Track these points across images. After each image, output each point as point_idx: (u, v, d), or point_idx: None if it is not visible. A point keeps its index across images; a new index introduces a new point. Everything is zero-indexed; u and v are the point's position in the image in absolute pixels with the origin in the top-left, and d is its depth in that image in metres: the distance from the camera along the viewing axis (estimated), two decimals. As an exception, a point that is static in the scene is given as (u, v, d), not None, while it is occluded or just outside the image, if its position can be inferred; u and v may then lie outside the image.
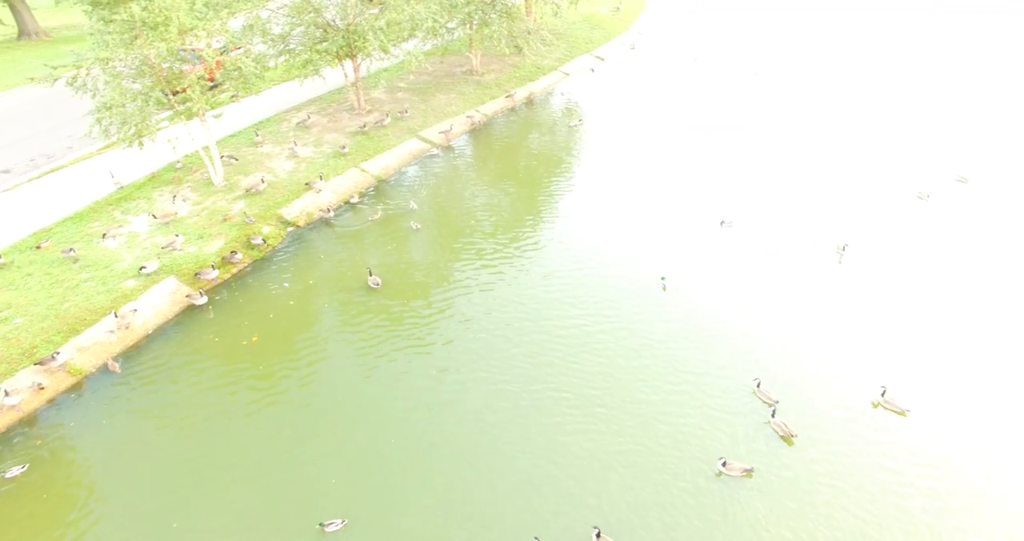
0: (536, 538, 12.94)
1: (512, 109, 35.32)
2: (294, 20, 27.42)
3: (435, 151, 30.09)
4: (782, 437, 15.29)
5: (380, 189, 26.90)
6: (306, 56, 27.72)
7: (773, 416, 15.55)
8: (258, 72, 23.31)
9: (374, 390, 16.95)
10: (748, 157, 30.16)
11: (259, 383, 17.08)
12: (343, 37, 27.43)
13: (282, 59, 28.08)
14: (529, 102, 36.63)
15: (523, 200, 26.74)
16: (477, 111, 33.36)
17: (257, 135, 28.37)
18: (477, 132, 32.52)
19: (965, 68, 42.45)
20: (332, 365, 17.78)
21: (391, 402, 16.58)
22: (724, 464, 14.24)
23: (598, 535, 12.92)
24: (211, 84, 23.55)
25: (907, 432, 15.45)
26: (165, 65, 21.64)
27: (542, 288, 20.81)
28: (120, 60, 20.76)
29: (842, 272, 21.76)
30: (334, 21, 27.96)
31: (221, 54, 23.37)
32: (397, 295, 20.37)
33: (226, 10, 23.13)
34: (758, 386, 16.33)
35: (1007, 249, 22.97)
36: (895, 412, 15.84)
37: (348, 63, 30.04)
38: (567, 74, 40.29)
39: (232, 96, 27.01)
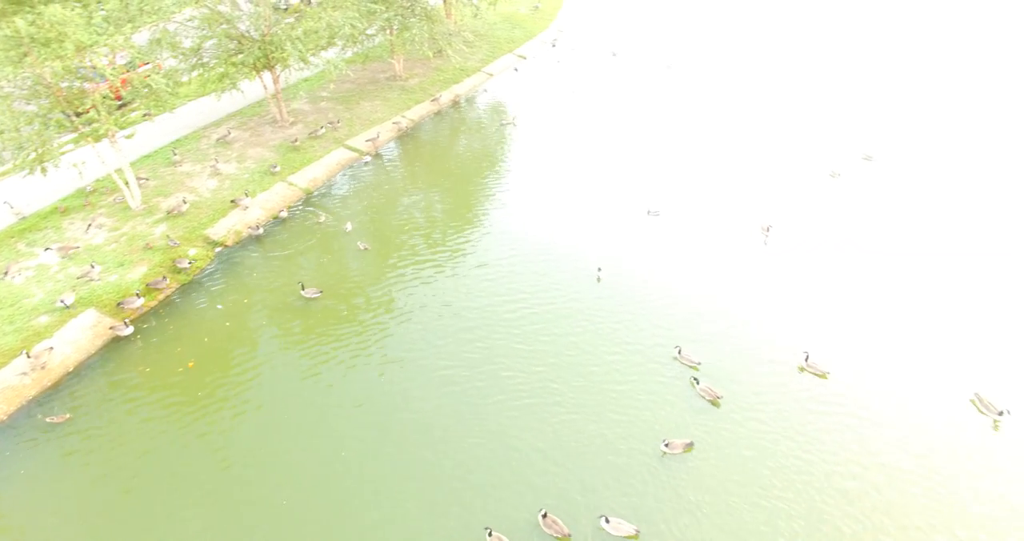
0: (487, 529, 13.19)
1: (439, 113, 35.23)
2: (205, 32, 26.35)
3: (366, 159, 29.67)
4: (710, 401, 16.43)
5: (310, 202, 26.27)
6: (221, 69, 26.70)
7: (698, 383, 16.64)
8: (170, 88, 22.31)
9: (321, 401, 16.71)
10: (670, 147, 31.24)
11: (199, 409, 16.45)
12: (259, 48, 26.60)
13: (196, 73, 26.92)
14: (455, 105, 36.62)
15: (457, 199, 26.82)
16: (403, 117, 33.09)
17: (175, 154, 27.16)
18: (405, 138, 32.26)
19: (866, 51, 45.33)
20: (275, 381, 17.37)
21: (340, 411, 16.41)
22: (667, 444, 14.93)
23: (544, 515, 13.38)
24: (119, 103, 22.37)
25: (829, 390, 16.97)
26: (64, 84, 20.34)
27: (481, 278, 21.37)
28: (8, 80, 19.35)
29: (768, 251, 22.93)
30: (248, 32, 27.06)
31: (127, 71, 22.26)
32: (336, 303, 20.18)
33: (129, 24, 21.94)
34: (679, 352, 17.62)
35: (912, 222, 24.78)
36: (817, 375, 17.24)
37: (267, 75, 29.19)
38: (491, 75, 40.50)
39: (144, 114, 25.79)
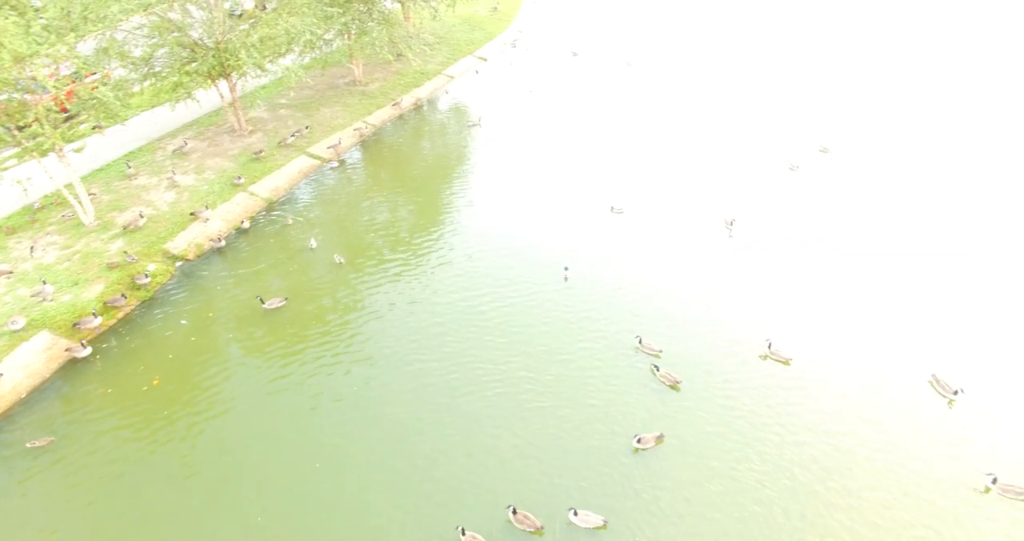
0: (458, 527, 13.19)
1: (401, 117, 34.91)
2: (156, 41, 25.47)
3: (332, 164, 29.27)
4: (670, 386, 16.97)
5: (272, 211, 25.72)
6: (175, 79, 25.89)
7: (658, 369, 17.13)
8: (121, 99, 21.54)
9: (293, 410, 16.41)
10: (632, 144, 31.60)
11: (165, 427, 15.95)
12: (213, 56, 25.92)
13: (148, 83, 26.08)
14: (417, 108, 36.36)
15: (423, 201, 26.65)
16: (365, 122, 32.68)
17: (129, 167, 26.28)
18: (368, 143, 31.87)
19: (819, 46, 46.56)
20: (244, 394, 16.98)
21: (312, 419, 16.17)
22: (639, 440, 15.08)
23: (514, 511, 13.41)
24: (65, 116, 21.51)
25: (792, 375, 17.51)
26: (2, 97, 19.45)
27: (448, 277, 21.53)
28: None
29: (732, 244, 23.34)
30: (201, 40, 26.32)
31: (72, 82, 21.43)
32: (304, 309, 19.92)
33: (72, 33, 21.04)
34: (640, 342, 18.06)
35: (869, 213, 25.54)
36: (780, 361, 17.78)
37: (223, 83, 28.48)
38: (452, 77, 40.34)
39: (94, 127, 24.79)
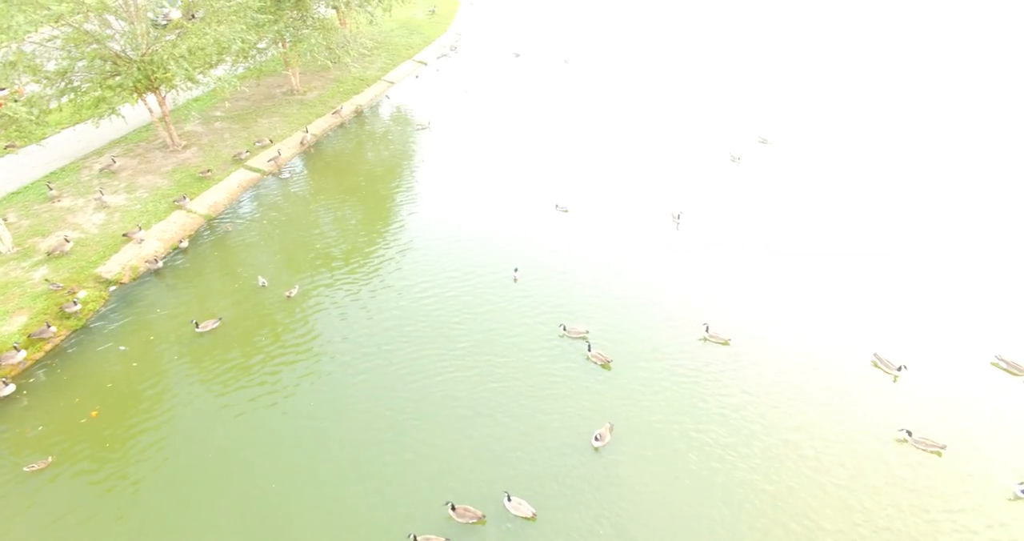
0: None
1: (342, 125, 34.16)
2: (72, 53, 24.00)
3: (285, 175, 28.54)
4: (601, 365, 17.56)
5: (212, 227, 24.69)
6: (96, 93, 24.50)
7: (590, 349, 17.70)
8: (34, 117, 20.25)
9: (244, 433, 15.78)
10: (577, 141, 31.80)
11: (107, 461, 15.04)
12: (138, 69, 24.66)
13: (66, 99, 24.61)
14: (358, 115, 35.65)
15: (368, 208, 26.19)
16: (305, 131, 31.81)
17: (51, 188, 24.74)
18: (310, 153, 31.03)
19: (752, 39, 47.98)
20: (191, 416, 16.26)
21: (264, 439, 15.62)
22: (598, 438, 15.11)
23: (453, 508, 13.44)
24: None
25: (729, 354, 18.17)
26: None
27: (397, 280, 21.35)
28: None
29: (679, 236, 23.70)
30: (124, 52, 25.01)
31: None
32: (250, 325, 19.32)
33: (-25, 48, 19.73)
34: (563, 329, 18.52)
35: (809, 200, 26.36)
36: (719, 343, 18.40)
37: (151, 97, 27.18)
38: (392, 82, 39.75)
39: (7, 146, 23.24)
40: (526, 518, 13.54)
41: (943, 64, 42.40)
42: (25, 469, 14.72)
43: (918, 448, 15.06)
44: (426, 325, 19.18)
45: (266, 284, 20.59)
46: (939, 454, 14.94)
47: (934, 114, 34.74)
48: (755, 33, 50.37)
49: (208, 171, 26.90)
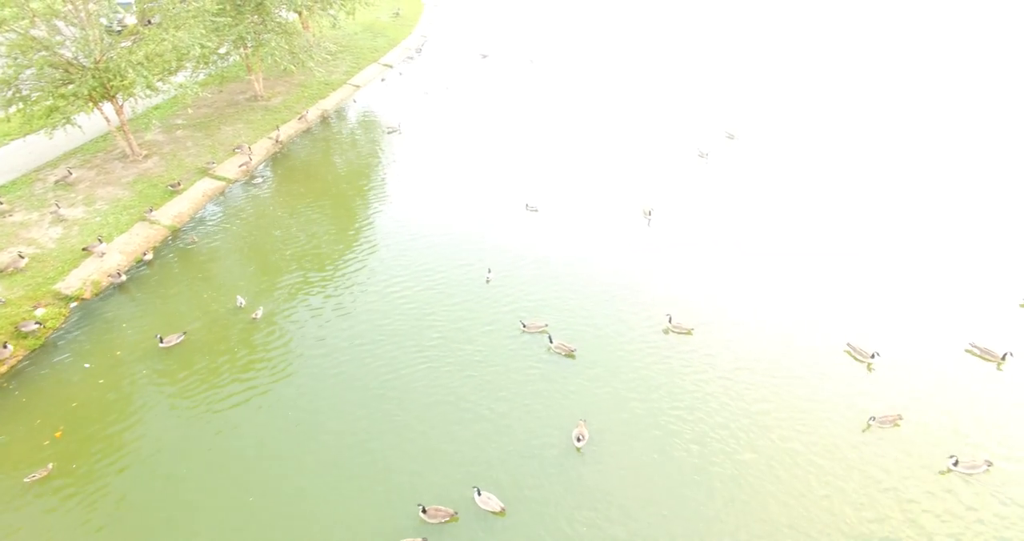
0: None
1: (308, 130, 33.57)
2: (20, 60, 22.98)
3: (258, 180, 27.91)
4: (565, 355, 17.80)
5: (177, 238, 23.97)
6: (48, 102, 23.55)
7: (551, 341, 17.90)
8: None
9: (218, 444, 15.38)
10: (543, 141, 31.83)
11: (70, 483, 14.41)
12: (92, 77, 23.77)
13: (14, 109, 23.57)
14: (324, 120, 35.09)
15: (338, 212, 25.78)
16: (270, 138, 31.16)
17: (1, 202, 23.72)
18: (277, 159, 30.41)
19: (718, 36, 48.69)
20: (162, 432, 15.74)
21: (240, 449, 15.24)
22: (579, 438, 15.12)
23: (424, 510, 13.31)
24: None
25: (693, 343, 18.54)
26: None
27: (369, 282, 21.20)
28: None
29: (650, 232, 23.84)
30: (77, 59, 24.10)
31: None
32: (220, 335, 18.83)
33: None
34: (523, 325, 18.66)
35: (778, 196, 26.76)
36: (682, 333, 18.69)
37: (108, 106, 26.27)
38: (358, 86, 39.26)
39: (-48, 160, 22.19)
40: (495, 513, 13.51)
41: (907, 57, 43.63)
42: (26, 480, 14.38)
43: (882, 426, 15.54)
44: (394, 334, 18.91)
45: (244, 304, 19.81)
46: (897, 425, 15.52)
47: (900, 104, 35.68)
48: (717, 29, 51.15)
49: (177, 183, 26.05)
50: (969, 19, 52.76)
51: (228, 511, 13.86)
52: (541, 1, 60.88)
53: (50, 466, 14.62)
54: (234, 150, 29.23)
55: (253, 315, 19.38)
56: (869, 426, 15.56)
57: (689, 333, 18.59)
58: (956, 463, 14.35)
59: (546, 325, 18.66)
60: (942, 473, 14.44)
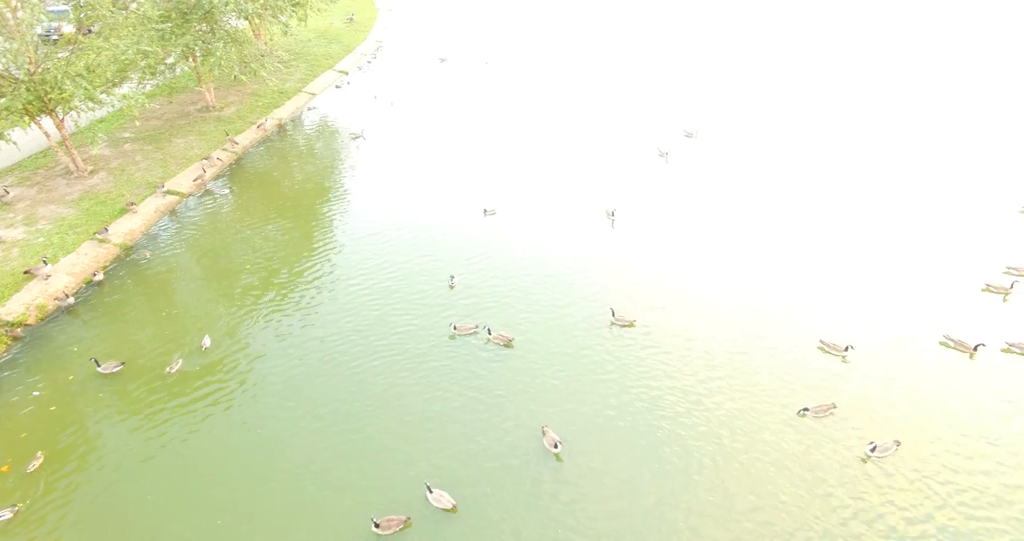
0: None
1: (265, 140, 32.69)
2: (-56, 74, 21.76)
3: (225, 190, 27.12)
4: (504, 345, 18.05)
5: (129, 255, 22.93)
6: (-23, 118, 22.31)
7: (490, 333, 18.18)
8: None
9: (179, 463, 14.82)
10: (501, 142, 31.73)
11: (29, 521, 13.52)
12: (27, 90, 22.60)
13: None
14: (280, 130, 34.23)
15: (298, 222, 25.07)
16: (225, 150, 30.22)
17: (-68, 226, 22.35)
18: (234, 170, 29.47)
19: (673, 35, 49.41)
20: (121, 459, 14.97)
21: (204, 460, 14.82)
22: (556, 445, 14.88)
23: (376, 525, 13.05)
24: None
25: (635, 335, 18.71)
26: None
27: (330, 289, 20.90)
28: None
29: (615, 233, 23.89)
30: (8, 71, 22.86)
31: None
32: (179, 351, 18.13)
33: None
34: (454, 327, 18.66)
35: (737, 191, 27.16)
36: (624, 325, 18.88)
37: (47, 120, 25.00)
38: (313, 94, 38.48)
39: None
40: (447, 510, 13.38)
41: (866, 53, 44.94)
42: (28, 470, 14.59)
43: (818, 416, 15.79)
44: (356, 340, 18.54)
45: (209, 345, 18.38)
46: (832, 413, 15.84)
47: (859, 97, 36.66)
48: (673, 27, 51.95)
49: (132, 203, 24.84)
50: (930, 15, 54.82)
51: (191, 537, 13.23)
52: (493, 4, 60.91)
53: (39, 454, 14.79)
54: (210, 155, 28.24)
55: (202, 344, 18.30)
56: (804, 415, 15.77)
57: (632, 325, 18.74)
58: (874, 449, 14.68)
59: (477, 326, 18.63)
60: (864, 459, 14.69)
